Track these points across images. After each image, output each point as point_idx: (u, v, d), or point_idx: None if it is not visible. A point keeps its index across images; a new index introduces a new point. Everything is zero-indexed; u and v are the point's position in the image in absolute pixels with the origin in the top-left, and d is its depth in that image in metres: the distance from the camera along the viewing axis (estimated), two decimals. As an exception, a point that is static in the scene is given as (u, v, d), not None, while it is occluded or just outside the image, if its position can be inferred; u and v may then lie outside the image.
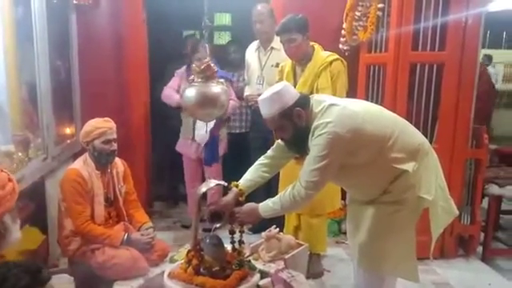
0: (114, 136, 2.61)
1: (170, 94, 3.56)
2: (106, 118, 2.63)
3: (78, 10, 3.40)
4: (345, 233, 3.56)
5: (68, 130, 3.30)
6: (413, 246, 1.98)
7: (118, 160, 2.76)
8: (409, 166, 1.87)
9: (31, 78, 2.63)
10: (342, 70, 2.75)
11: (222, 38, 5.61)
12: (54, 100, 2.85)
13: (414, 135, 1.98)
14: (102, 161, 2.61)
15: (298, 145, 1.94)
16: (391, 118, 1.99)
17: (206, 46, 2.15)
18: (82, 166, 2.59)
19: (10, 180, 1.50)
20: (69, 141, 3.20)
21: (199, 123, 3.33)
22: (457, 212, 2.04)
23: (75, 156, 2.97)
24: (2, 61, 2.35)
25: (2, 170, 1.51)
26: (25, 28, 2.54)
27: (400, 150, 1.87)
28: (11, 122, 2.46)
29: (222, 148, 3.66)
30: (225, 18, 5.59)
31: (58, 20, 3.04)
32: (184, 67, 3.62)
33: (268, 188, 2.72)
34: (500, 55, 8.29)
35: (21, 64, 2.54)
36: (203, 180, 3.57)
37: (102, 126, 2.58)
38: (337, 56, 2.78)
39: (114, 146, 2.61)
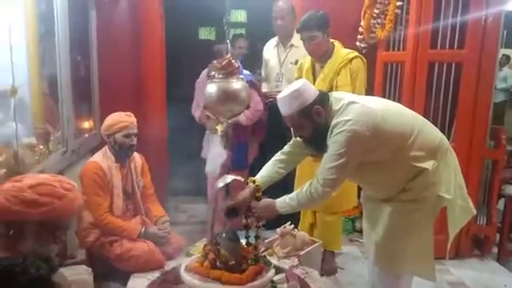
0: (135, 131, 2.66)
1: (193, 110, 3.54)
2: (128, 113, 2.68)
3: (97, 5, 3.44)
4: (358, 231, 3.57)
5: (87, 124, 3.34)
6: (430, 245, 1.98)
7: (136, 154, 2.80)
8: (428, 165, 1.87)
9: (52, 71, 2.66)
10: (362, 68, 2.74)
11: (238, 35, 5.63)
12: (73, 94, 2.88)
13: (433, 133, 1.97)
14: (122, 154, 2.66)
15: (317, 143, 1.94)
16: (410, 116, 1.98)
17: (228, 43, 2.15)
18: (102, 158, 2.64)
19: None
20: (87, 135, 3.24)
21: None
22: (474, 211, 2.03)
23: (93, 150, 3.01)
24: (24, 54, 2.39)
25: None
26: (47, 22, 2.57)
27: (420, 149, 1.87)
28: (32, 115, 2.50)
29: (252, 155, 3.55)
30: (240, 15, 5.60)
31: (79, 15, 3.07)
32: (203, 73, 3.51)
33: (284, 185, 2.72)
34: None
35: (42, 58, 2.57)
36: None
37: (124, 120, 2.63)
38: (357, 53, 2.77)
39: (134, 140, 2.66)
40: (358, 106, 1.83)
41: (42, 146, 2.39)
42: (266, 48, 3.55)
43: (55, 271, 1.24)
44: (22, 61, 2.35)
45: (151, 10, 3.68)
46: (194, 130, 3.76)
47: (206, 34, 5.84)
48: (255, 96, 3.16)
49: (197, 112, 3.48)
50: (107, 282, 2.60)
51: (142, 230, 2.63)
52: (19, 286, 1.12)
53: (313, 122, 1.88)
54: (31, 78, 2.46)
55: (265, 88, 3.50)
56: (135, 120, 2.69)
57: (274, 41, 3.50)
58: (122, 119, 2.63)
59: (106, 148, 2.70)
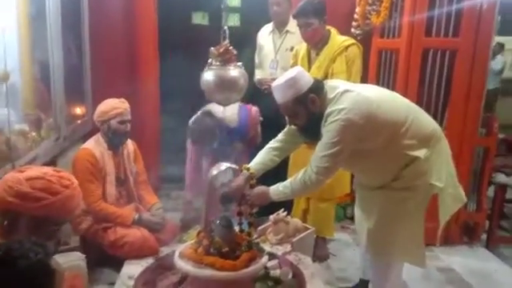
0: (129, 117, 2.66)
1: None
2: (122, 99, 2.67)
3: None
4: (350, 218, 3.60)
5: (79, 110, 3.30)
6: (421, 233, 2.01)
7: (128, 141, 2.80)
8: (420, 153, 1.88)
9: (44, 56, 2.62)
10: (358, 55, 2.74)
11: (232, 20, 5.56)
12: (65, 79, 2.84)
13: (426, 122, 1.98)
14: (116, 141, 2.65)
15: (311, 131, 1.95)
16: (405, 105, 1.99)
17: (226, 29, 2.12)
18: (94, 145, 2.63)
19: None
20: (79, 121, 3.21)
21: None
22: (465, 199, 2.06)
23: (85, 137, 2.99)
24: (15, 39, 2.35)
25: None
26: (38, 5, 2.52)
27: (413, 137, 1.88)
28: (23, 100, 2.47)
29: None
30: (234, 0, 5.53)
31: (71, 0, 3.01)
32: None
33: (278, 172, 2.73)
34: (510, 43, 8.18)
35: (34, 42, 2.53)
36: None
37: (119, 106, 2.62)
38: (353, 41, 2.77)
39: (129, 126, 2.66)
40: (352, 95, 1.83)
41: (34, 133, 2.37)
42: (260, 34, 3.51)
43: (51, 256, 1.25)
44: (12, 45, 2.31)
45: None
46: (186, 117, 3.73)
47: (199, 18, 5.78)
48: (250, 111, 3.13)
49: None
50: (101, 269, 2.62)
51: (136, 216, 2.64)
52: (19, 271, 1.12)
53: (307, 110, 1.88)
54: (22, 62, 2.42)
55: (259, 75, 3.47)
56: (129, 106, 2.67)
57: (269, 27, 3.45)
58: (116, 105, 2.62)
59: (98, 135, 2.69)
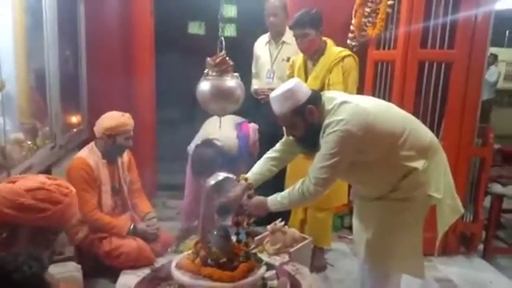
0: (132, 133, 2.65)
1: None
2: (128, 115, 2.66)
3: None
4: (347, 227, 3.60)
5: (74, 119, 3.29)
6: (420, 243, 2.00)
7: (123, 150, 2.78)
8: (418, 164, 1.88)
9: (40, 65, 2.61)
10: (354, 66, 2.75)
11: (228, 30, 5.59)
12: (61, 88, 2.83)
13: (424, 133, 1.99)
14: (116, 154, 2.65)
15: (309, 142, 1.94)
16: (402, 116, 1.99)
17: (223, 39, 2.12)
18: (88, 154, 2.62)
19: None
20: (75, 129, 3.19)
21: None
22: (462, 210, 2.05)
23: (80, 145, 2.97)
24: (11, 48, 2.34)
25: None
26: (35, 15, 2.52)
27: (410, 148, 1.88)
28: (19, 109, 2.45)
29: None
30: (230, 10, 5.56)
31: (67, 9, 3.01)
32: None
33: (275, 182, 2.72)
34: (502, 54, 8.32)
35: (30, 51, 2.52)
36: None
37: (128, 122, 2.63)
38: (349, 52, 2.78)
39: (131, 142, 2.66)
40: (350, 106, 1.83)
41: (29, 142, 2.35)
42: (257, 44, 3.54)
43: (46, 269, 1.23)
44: (8, 54, 2.30)
45: (141, 2, 3.64)
46: (183, 124, 3.74)
47: (195, 28, 5.81)
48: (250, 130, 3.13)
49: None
50: (97, 279, 2.58)
51: (131, 226, 2.61)
52: (14, 284, 1.11)
53: (305, 122, 1.88)
54: (18, 70, 2.41)
55: (256, 85, 3.48)
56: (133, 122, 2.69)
57: (265, 37, 3.48)
58: (125, 121, 2.63)
59: (92, 144, 2.68)
